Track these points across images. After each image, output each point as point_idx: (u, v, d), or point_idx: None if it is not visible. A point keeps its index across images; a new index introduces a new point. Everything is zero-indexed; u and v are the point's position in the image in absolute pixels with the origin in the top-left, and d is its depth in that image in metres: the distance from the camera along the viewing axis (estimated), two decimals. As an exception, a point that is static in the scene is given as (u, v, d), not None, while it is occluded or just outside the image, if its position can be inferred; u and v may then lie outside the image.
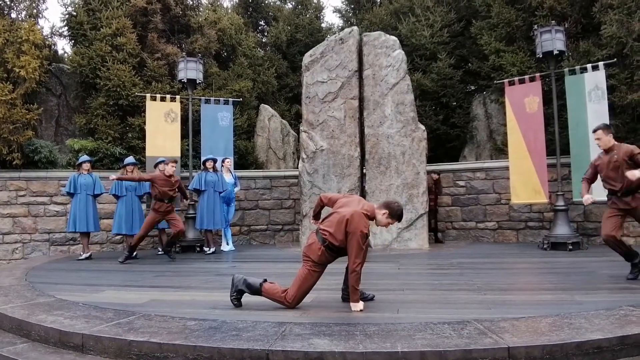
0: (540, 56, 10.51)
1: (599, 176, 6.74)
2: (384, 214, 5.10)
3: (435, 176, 12.17)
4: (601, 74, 9.94)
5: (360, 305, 4.97)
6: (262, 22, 20.57)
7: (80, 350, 4.31)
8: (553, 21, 10.68)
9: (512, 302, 5.32)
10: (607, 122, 9.83)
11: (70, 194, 10.37)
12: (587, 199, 6.55)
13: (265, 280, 5.21)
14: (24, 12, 13.59)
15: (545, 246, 10.07)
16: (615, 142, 6.58)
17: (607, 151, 6.57)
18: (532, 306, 5.05)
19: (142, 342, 4.04)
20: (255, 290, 5.16)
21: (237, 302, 5.23)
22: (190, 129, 12.08)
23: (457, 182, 12.61)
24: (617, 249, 6.48)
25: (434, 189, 12.14)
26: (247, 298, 5.26)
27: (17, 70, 11.98)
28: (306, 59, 11.83)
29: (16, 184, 11.98)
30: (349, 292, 5.07)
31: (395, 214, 5.11)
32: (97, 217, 10.55)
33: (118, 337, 4.17)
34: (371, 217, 5.11)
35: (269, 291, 5.15)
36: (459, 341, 3.76)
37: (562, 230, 10.04)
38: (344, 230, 4.96)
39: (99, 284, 7.05)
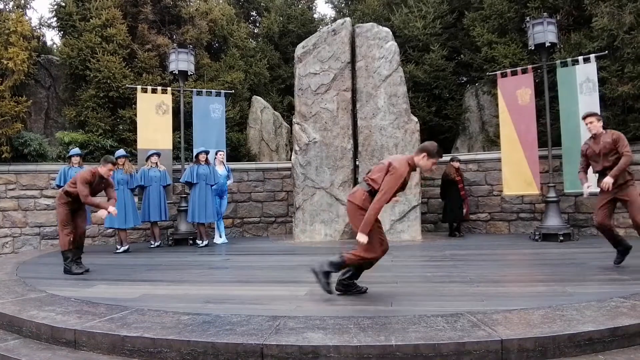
0: (532, 48, 10.53)
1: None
2: (423, 157, 5.18)
3: (456, 164, 11.51)
4: (592, 66, 9.97)
5: (365, 237, 5.05)
6: (253, 13, 20.49)
7: (72, 346, 4.27)
8: (545, 13, 10.69)
9: (505, 294, 5.35)
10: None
11: (61, 187, 10.29)
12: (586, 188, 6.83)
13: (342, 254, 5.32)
14: (11, 3, 13.40)
15: (536, 237, 10.12)
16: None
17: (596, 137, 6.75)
18: (524, 298, 5.07)
19: (136, 337, 4.02)
20: (339, 265, 5.26)
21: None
22: (182, 121, 12.02)
23: (449, 173, 12.63)
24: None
25: (457, 177, 11.44)
26: (239, 292, 5.24)
27: (5, 62, 11.86)
28: (298, 50, 11.79)
29: (5, 178, 11.88)
30: (363, 222, 5.11)
31: (434, 151, 5.20)
32: (88, 210, 10.49)
33: (111, 332, 4.15)
34: (414, 166, 5.23)
35: (351, 259, 5.24)
36: (453, 334, 3.76)
37: (553, 221, 10.10)
38: (384, 174, 5.09)
39: (91, 279, 7.02)
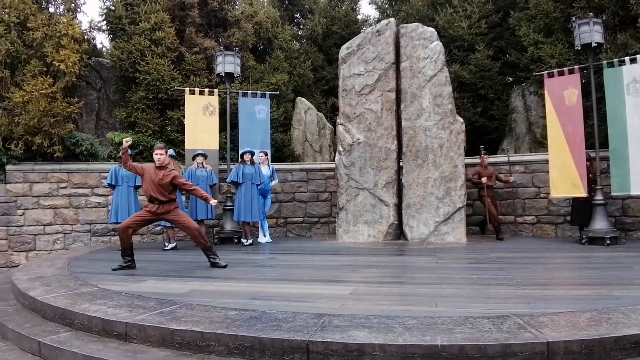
0: (579, 48, 10.32)
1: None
2: None
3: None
4: (639, 67, 9.74)
5: None
6: (297, 15, 20.61)
7: (123, 339, 4.43)
8: (591, 13, 10.46)
9: (551, 297, 5.30)
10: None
11: (112, 186, 10.61)
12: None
13: None
14: (62, 7, 13.73)
15: (583, 241, 9.93)
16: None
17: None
18: (570, 301, 5.01)
19: (185, 330, 4.14)
20: None
21: None
22: (228, 122, 12.21)
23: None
24: None
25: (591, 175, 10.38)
26: (284, 289, 5.31)
27: (57, 64, 12.15)
28: (343, 51, 11.84)
29: (57, 176, 12.26)
30: None
31: None
32: (139, 208, 10.68)
33: (161, 325, 4.28)
34: None
35: None
36: (499, 335, 3.77)
37: (600, 224, 9.88)
38: None
39: (141, 274, 7.21)
